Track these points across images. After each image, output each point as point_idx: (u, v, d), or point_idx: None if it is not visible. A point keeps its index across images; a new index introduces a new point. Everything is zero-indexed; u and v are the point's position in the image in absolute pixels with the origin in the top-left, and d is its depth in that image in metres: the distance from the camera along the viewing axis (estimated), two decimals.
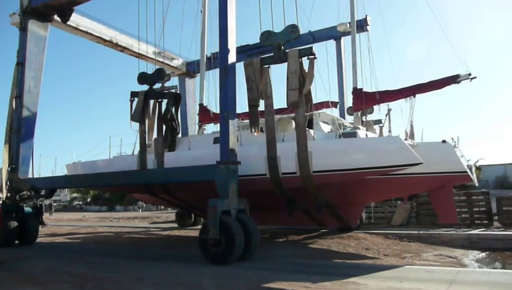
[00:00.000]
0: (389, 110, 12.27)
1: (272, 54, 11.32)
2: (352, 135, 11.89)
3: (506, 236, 13.14)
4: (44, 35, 15.65)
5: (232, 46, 10.66)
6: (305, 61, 10.79)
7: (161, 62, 20.36)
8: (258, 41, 18.66)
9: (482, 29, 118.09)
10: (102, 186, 15.45)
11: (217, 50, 19.13)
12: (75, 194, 75.61)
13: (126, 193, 19.36)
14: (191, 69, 22.44)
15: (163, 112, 13.08)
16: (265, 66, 11.14)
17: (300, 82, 10.58)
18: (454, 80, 12.36)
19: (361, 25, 16.96)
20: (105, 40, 18.40)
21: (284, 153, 11.13)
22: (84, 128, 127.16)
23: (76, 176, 14.04)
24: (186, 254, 11.86)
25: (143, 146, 13.27)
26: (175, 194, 13.98)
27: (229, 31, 10.56)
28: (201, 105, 17.39)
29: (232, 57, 10.59)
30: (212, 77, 18.57)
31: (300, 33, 11.07)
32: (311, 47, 10.96)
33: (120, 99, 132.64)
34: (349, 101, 17.45)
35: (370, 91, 14.04)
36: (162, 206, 50.86)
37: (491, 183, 33.79)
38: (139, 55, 19.93)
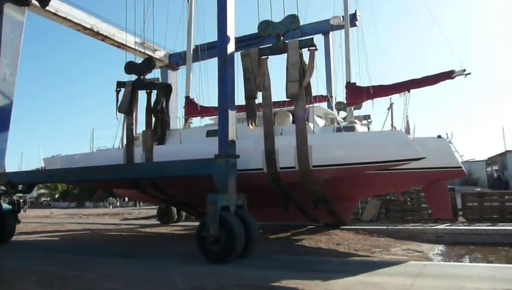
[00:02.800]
0: (391, 104, 12.19)
1: (270, 45, 11.01)
2: (351, 129, 11.73)
3: (470, 231, 13.61)
4: (22, 20, 14.63)
5: (232, 34, 10.22)
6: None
7: (143, 53, 19.62)
8: (246, 34, 18.69)
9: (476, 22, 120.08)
10: (87, 181, 14.68)
11: (203, 42, 18.94)
12: (42, 190, 72.62)
13: (110, 188, 18.55)
14: (174, 61, 21.80)
15: (152, 103, 12.51)
16: (263, 57, 10.81)
17: (300, 74, 10.31)
18: (449, 75, 12.37)
19: (351, 20, 16.84)
20: (85, 28, 17.54)
21: (282, 147, 10.82)
22: (51, 124, 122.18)
23: (58, 170, 13.25)
24: (160, 251, 11.59)
25: (130, 139, 12.64)
26: (164, 189, 13.42)
27: (229, 18, 10.11)
28: (187, 98, 16.82)
29: (231, 46, 10.16)
30: (198, 69, 18.01)
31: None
32: (312, 38, 10.69)
33: (90, 95, 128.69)
34: (337, 96, 17.35)
35: (363, 86, 13.93)
36: (133, 202, 50.45)
37: (456, 179, 34.75)
38: (120, 45, 19.23)
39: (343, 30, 18.45)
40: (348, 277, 7.12)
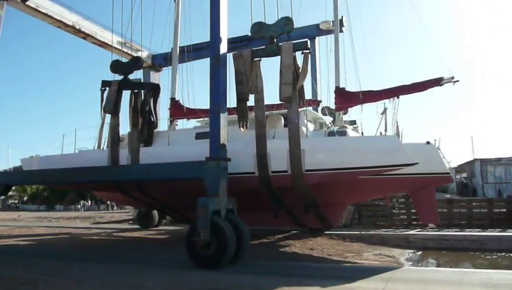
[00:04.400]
0: (385, 109, 12.21)
1: (263, 47, 10.87)
2: (343, 133, 11.67)
3: (439, 236, 14.03)
4: (0, 14, 14.08)
5: (224, 35, 10.01)
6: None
7: (125, 53, 19.14)
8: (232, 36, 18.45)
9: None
10: (69, 183, 14.12)
11: (190, 43, 18.63)
12: (10, 192, 70.01)
13: (92, 190, 17.97)
14: (157, 63, 21.40)
15: (140, 103, 12.12)
16: (256, 58, 10.65)
17: (294, 77, 10.21)
18: (437, 82, 12.49)
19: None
20: (66, 25, 16.99)
21: (275, 151, 10.65)
22: (22, 128, 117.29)
23: (39, 171, 12.65)
24: (132, 255, 11.36)
25: (115, 140, 12.21)
26: (150, 193, 13.00)
27: (221, 18, 9.90)
28: (173, 99, 16.39)
29: (223, 47, 9.94)
30: (183, 71, 17.64)
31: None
32: (306, 41, 10.70)
33: (63, 99, 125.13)
34: (323, 101, 17.31)
35: (353, 91, 13.93)
36: (105, 206, 49.62)
37: None
38: (102, 44, 18.77)
39: (327, 36, 18.62)
40: (321, 281, 7.24)
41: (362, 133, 12.87)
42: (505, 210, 16.75)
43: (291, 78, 10.14)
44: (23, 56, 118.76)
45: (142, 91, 12.16)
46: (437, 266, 11.26)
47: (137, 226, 19.49)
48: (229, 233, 8.63)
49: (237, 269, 8.58)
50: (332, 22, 16.04)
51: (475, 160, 30.33)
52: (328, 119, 15.37)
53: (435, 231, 15.22)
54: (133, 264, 9.29)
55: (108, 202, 46.52)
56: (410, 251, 12.82)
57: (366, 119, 15.95)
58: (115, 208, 47.79)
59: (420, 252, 12.88)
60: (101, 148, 13.34)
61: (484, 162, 29.71)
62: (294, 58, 10.44)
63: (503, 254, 12.48)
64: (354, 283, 7.07)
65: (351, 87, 15.02)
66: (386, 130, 11.79)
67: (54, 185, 20.74)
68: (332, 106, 15.76)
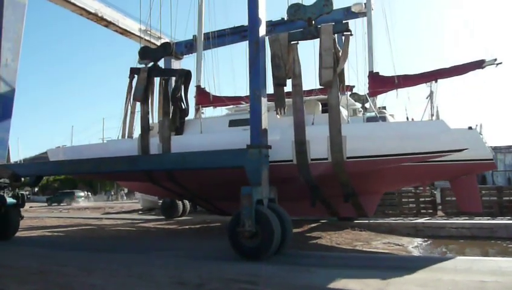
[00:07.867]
0: (431, 92, 11.70)
1: (301, 29, 10.45)
2: (383, 119, 11.23)
3: (449, 225, 14.10)
4: (23, 2, 13.72)
5: (263, 16, 9.63)
6: None
7: (146, 40, 18.82)
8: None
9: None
10: (100, 173, 13.90)
11: (213, 29, 18.20)
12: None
13: (121, 180, 17.78)
14: (178, 50, 20.92)
15: (171, 90, 11.78)
16: (293, 42, 10.24)
17: (334, 60, 9.78)
18: (479, 65, 11.88)
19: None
20: (89, 13, 16.65)
21: (314, 138, 10.27)
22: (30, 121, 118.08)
23: (70, 162, 12.39)
24: (142, 245, 11.41)
25: (145, 129, 11.92)
26: (181, 182, 12.69)
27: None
28: (198, 87, 16.00)
29: (262, 30, 9.56)
30: (210, 57, 17.22)
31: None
32: (347, 23, 10.22)
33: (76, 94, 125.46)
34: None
35: (387, 75, 13.40)
36: (115, 196, 50.33)
37: None
38: (124, 32, 18.50)
39: (355, 19, 18.01)
40: (328, 270, 7.27)
41: (407, 118, 12.38)
42: None
43: (332, 62, 9.73)
44: (44, 46, 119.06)
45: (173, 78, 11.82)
46: (446, 254, 11.25)
47: (147, 217, 19.51)
48: (274, 223, 8.35)
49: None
50: (365, 4, 15.48)
51: None
52: (358, 105, 14.95)
53: (444, 219, 15.12)
54: (142, 254, 9.33)
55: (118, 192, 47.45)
56: (419, 239, 12.85)
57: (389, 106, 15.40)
58: (125, 198, 48.61)
59: (429, 241, 12.89)
60: (131, 137, 13.05)
61: (494, 150, 29.31)
62: (334, 40, 10.02)
63: None
64: (362, 271, 7.09)
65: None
66: (432, 115, 11.28)
67: (85, 175, 20.79)
68: (361, 92, 15.31)
